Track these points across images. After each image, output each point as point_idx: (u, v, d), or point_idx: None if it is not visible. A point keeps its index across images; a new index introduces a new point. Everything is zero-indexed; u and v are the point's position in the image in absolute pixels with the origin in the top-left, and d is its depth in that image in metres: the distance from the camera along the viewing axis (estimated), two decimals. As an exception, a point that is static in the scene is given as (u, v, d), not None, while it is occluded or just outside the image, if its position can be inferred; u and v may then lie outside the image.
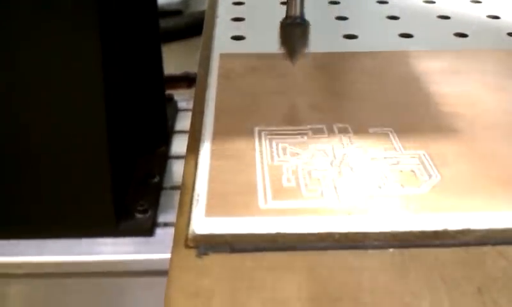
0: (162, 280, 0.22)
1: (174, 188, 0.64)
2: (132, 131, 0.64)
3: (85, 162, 0.55)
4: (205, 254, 0.22)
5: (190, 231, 0.22)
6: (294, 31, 0.31)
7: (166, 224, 0.59)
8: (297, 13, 0.31)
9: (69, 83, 0.52)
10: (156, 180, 0.65)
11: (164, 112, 0.74)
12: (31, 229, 0.57)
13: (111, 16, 0.55)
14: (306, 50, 0.32)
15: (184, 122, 0.76)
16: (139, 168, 0.65)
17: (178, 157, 0.69)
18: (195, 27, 0.80)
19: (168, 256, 0.22)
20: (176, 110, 0.79)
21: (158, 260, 0.56)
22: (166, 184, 0.66)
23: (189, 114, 0.32)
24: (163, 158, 0.69)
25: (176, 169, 0.68)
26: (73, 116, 0.53)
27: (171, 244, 0.23)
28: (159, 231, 0.59)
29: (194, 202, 0.23)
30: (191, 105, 0.33)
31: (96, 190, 0.56)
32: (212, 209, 0.23)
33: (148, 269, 0.57)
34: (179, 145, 0.71)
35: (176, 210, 0.25)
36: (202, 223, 0.22)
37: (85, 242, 0.57)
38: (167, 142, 0.72)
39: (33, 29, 0.50)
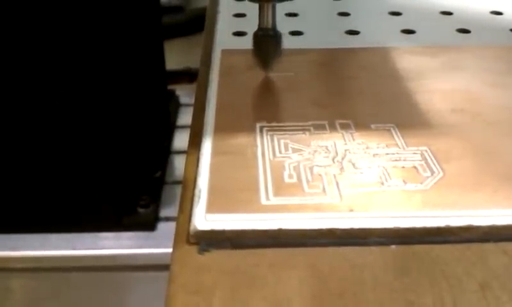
0: (164, 274, 0.22)
1: (176, 183, 0.64)
2: (135, 126, 0.64)
3: (87, 158, 0.55)
4: (206, 250, 0.21)
5: (191, 228, 0.22)
6: (266, 42, 0.32)
7: (168, 219, 0.60)
8: (269, 25, 0.32)
9: (71, 79, 0.52)
10: (158, 174, 0.65)
11: (167, 107, 0.74)
12: (34, 224, 0.57)
13: (112, 14, 0.55)
14: (279, 60, 0.32)
15: (186, 117, 0.76)
16: (142, 163, 0.66)
17: (180, 152, 0.69)
18: (196, 24, 0.80)
19: (170, 250, 0.22)
20: (178, 105, 0.79)
21: (160, 254, 0.56)
22: (168, 179, 0.66)
23: (192, 108, 0.32)
24: (165, 152, 0.69)
25: (179, 164, 0.68)
26: (75, 112, 0.54)
27: (173, 238, 0.23)
28: (161, 226, 0.59)
29: (196, 198, 0.23)
30: (193, 100, 0.33)
31: (99, 185, 0.56)
32: (214, 205, 0.23)
33: (150, 263, 0.57)
34: (181, 140, 0.71)
35: (178, 204, 0.25)
36: (203, 219, 0.22)
37: (88, 237, 0.57)
38: (169, 137, 0.72)
39: (37, 28, 0.50)
